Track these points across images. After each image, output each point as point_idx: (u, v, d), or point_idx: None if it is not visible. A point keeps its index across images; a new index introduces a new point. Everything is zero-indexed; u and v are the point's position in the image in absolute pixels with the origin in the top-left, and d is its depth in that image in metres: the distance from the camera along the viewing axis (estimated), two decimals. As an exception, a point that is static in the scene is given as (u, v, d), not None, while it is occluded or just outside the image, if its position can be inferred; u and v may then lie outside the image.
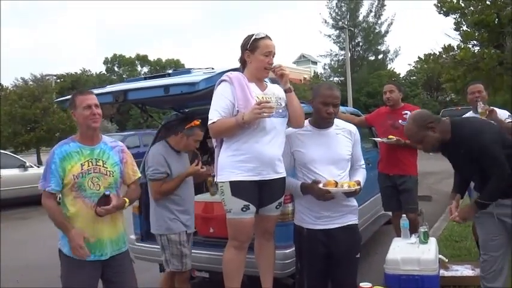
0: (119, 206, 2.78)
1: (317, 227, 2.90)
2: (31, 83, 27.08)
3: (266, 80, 3.18)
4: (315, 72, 48.41)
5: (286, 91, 3.09)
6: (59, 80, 39.02)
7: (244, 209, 2.95)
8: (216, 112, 2.93)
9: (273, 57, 3.04)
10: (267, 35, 3.04)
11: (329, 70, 40.37)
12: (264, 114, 2.80)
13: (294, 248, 3.15)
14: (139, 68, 46.98)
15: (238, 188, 2.94)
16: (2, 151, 11.65)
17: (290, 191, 3.09)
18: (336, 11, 37.74)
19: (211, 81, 3.22)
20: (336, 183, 2.79)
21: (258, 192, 3.01)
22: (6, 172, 10.64)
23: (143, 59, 46.39)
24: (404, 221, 3.94)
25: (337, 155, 2.93)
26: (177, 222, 3.62)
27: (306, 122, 3.05)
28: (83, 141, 2.81)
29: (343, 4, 37.56)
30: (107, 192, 2.71)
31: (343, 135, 3.00)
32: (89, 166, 2.75)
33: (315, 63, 58.09)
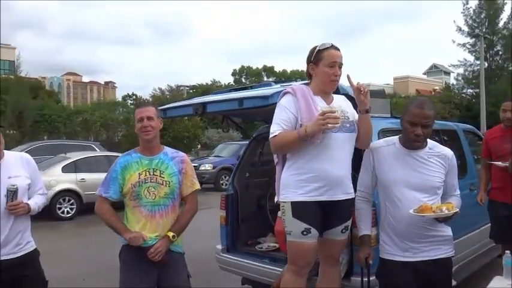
0: (164, 247, 2.81)
1: (404, 259, 2.59)
2: (167, 93, 29.43)
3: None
4: (446, 83, 45.32)
5: (363, 111, 2.79)
6: (191, 91, 41.78)
7: (305, 233, 2.75)
8: (278, 125, 2.77)
9: (340, 68, 2.80)
10: (332, 45, 2.81)
11: (462, 81, 37.48)
12: (329, 125, 2.55)
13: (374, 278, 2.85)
14: (265, 79, 48.41)
15: (299, 209, 2.75)
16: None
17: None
18: (473, 17, 34.92)
19: None
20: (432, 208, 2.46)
21: (322, 215, 2.78)
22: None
23: (269, 70, 47.83)
24: (508, 258, 3.37)
25: (424, 180, 2.59)
26: None
27: (396, 138, 2.73)
28: (143, 151, 2.91)
29: (481, 10, 34.62)
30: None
31: (436, 160, 2.64)
32: (146, 176, 2.83)
33: (447, 73, 54.44)
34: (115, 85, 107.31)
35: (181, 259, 3.02)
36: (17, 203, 2.79)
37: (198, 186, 3.03)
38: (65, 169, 10.37)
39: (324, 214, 2.79)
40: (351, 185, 2.82)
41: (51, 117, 33.24)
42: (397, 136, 2.74)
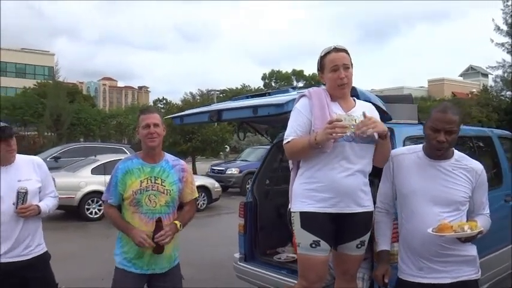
0: (173, 232, 2.80)
1: (421, 280, 2.42)
2: (198, 97, 29.72)
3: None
4: (483, 85, 43.95)
5: (381, 137, 2.59)
6: (221, 95, 42.03)
7: (313, 245, 2.61)
8: (291, 130, 2.64)
9: (346, 69, 2.62)
10: (334, 48, 2.66)
11: (501, 83, 36.19)
12: (337, 134, 2.40)
13: None
14: (294, 83, 48.28)
15: (308, 220, 2.61)
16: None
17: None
18: (515, 15, 33.63)
19: None
20: (453, 227, 2.26)
21: (334, 227, 2.65)
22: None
23: (299, 74, 47.62)
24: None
25: (445, 193, 2.40)
26: None
27: (419, 147, 2.57)
28: (145, 158, 2.87)
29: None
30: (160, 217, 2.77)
31: (462, 173, 2.44)
32: (147, 183, 2.81)
33: (485, 75, 52.82)
34: (148, 89, 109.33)
35: (177, 271, 3.02)
36: (27, 206, 2.85)
37: (197, 194, 3.07)
38: (95, 171, 10.54)
39: (337, 227, 2.65)
40: (367, 197, 2.68)
41: (87, 121, 34.19)
42: (422, 145, 2.57)
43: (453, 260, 2.40)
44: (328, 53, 2.66)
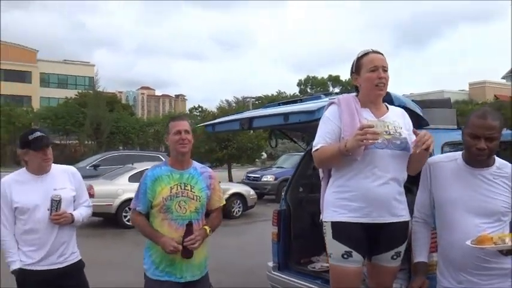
0: (202, 236, 2.80)
1: None
2: (233, 104, 29.94)
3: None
4: (529, 88, 42.27)
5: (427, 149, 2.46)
6: (256, 102, 42.19)
7: (345, 256, 2.53)
8: (320, 138, 2.58)
9: (384, 71, 2.55)
10: (372, 50, 2.61)
11: (547, 86, 34.83)
12: (368, 141, 2.32)
13: None
14: (331, 89, 47.91)
15: (340, 230, 2.54)
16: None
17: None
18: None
19: None
20: (493, 239, 2.15)
21: (368, 238, 2.56)
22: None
23: (335, 80, 47.25)
24: None
25: (485, 203, 2.30)
26: None
27: (458, 154, 2.47)
28: (174, 165, 2.89)
29: None
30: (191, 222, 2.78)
31: (503, 181, 2.33)
32: (177, 190, 2.81)
33: (530, 77, 50.85)
34: (185, 98, 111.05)
35: (207, 280, 3.01)
36: (60, 213, 2.91)
37: (224, 201, 3.07)
38: (132, 179, 10.71)
39: (370, 238, 2.56)
40: (402, 206, 2.58)
41: (126, 129, 35.03)
42: (461, 152, 2.46)
43: (494, 274, 2.28)
44: (366, 54, 2.60)
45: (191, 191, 2.84)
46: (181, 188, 2.82)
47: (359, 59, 2.61)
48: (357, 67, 2.62)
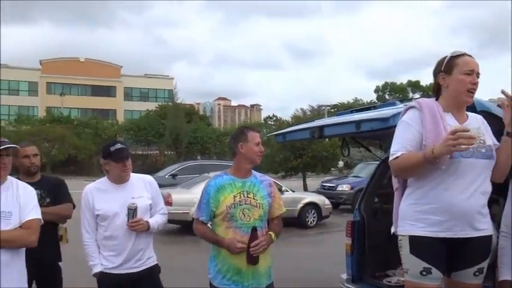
0: (268, 242, 2.81)
1: None
2: (308, 113, 29.84)
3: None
4: None
5: (508, 134, 2.38)
6: (332, 110, 41.74)
7: (424, 273, 2.37)
8: (399, 145, 2.41)
9: (478, 77, 2.41)
10: (466, 53, 2.45)
11: None
12: (462, 146, 2.15)
13: None
14: (410, 95, 46.26)
15: (419, 245, 2.39)
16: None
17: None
18: None
19: None
20: None
21: (448, 253, 2.40)
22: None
23: (414, 85, 45.59)
24: None
25: None
26: None
27: None
28: (236, 174, 2.91)
29: None
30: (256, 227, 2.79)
31: None
32: (240, 198, 2.83)
33: None
34: (260, 107, 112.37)
35: None
36: (136, 220, 3.02)
37: (284, 209, 3.06)
38: (207, 188, 10.98)
39: (450, 253, 2.40)
40: (485, 219, 2.40)
41: (203, 139, 36.13)
42: None
43: None
44: (462, 54, 2.45)
45: (254, 198, 2.85)
46: (244, 196, 2.84)
47: (453, 58, 2.45)
48: (448, 66, 2.45)
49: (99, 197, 3.07)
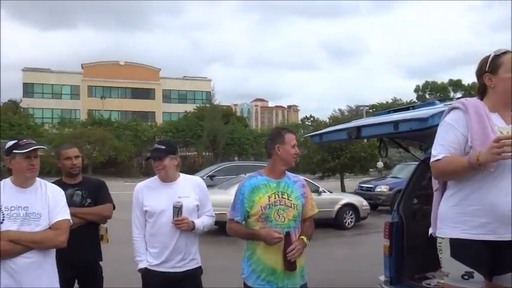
0: (302, 246, 2.82)
1: None
2: (346, 113, 29.53)
3: None
4: None
5: None
6: (370, 110, 41.16)
7: (466, 277, 2.32)
8: (442, 147, 2.36)
9: None
10: (509, 50, 2.36)
11: None
12: (507, 154, 2.08)
13: None
14: (451, 94, 45.04)
15: (460, 248, 2.34)
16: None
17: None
18: None
19: None
20: None
21: (490, 256, 2.33)
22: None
23: (456, 84, 44.37)
24: None
25: None
26: None
27: None
28: (271, 174, 2.92)
29: None
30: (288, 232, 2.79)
31: None
32: (275, 198, 2.84)
33: None
34: (297, 108, 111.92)
35: None
36: (181, 219, 3.08)
37: (316, 209, 3.06)
38: (244, 189, 11.06)
39: (492, 256, 2.33)
40: None
41: (240, 140, 36.33)
42: None
43: None
44: (505, 53, 2.36)
45: (288, 199, 2.86)
46: (278, 197, 2.85)
47: (497, 56, 2.37)
48: (493, 66, 2.37)
49: (148, 194, 3.18)
